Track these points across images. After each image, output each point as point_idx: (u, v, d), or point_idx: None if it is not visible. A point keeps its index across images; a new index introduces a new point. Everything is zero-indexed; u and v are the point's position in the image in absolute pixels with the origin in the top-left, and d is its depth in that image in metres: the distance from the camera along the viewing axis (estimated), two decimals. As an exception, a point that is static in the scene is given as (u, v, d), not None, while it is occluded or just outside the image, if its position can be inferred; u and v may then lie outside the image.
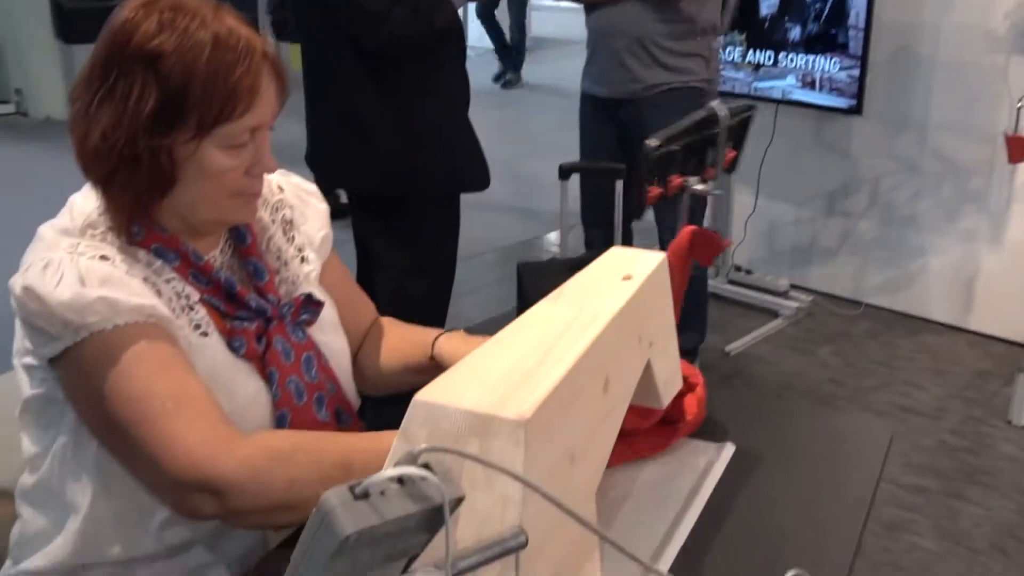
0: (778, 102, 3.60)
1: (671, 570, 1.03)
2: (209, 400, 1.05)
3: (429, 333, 1.36)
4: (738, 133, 2.53)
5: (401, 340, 1.40)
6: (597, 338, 0.99)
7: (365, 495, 0.68)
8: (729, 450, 1.29)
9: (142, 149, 1.04)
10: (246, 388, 1.13)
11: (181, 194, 1.09)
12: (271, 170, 1.13)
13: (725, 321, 3.63)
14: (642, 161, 2.18)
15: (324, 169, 2.44)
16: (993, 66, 3.28)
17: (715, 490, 1.19)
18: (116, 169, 1.05)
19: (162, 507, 1.11)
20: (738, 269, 3.98)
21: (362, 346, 1.40)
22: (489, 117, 5.04)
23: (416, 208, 2.36)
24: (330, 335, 1.26)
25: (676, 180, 2.31)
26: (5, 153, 5.92)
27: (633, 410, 1.19)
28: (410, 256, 2.45)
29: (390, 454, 0.83)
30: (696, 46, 2.88)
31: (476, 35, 8.63)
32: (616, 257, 1.25)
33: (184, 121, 1.04)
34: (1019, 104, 3.04)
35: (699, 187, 2.40)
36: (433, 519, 0.73)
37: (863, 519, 1.11)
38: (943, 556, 2.36)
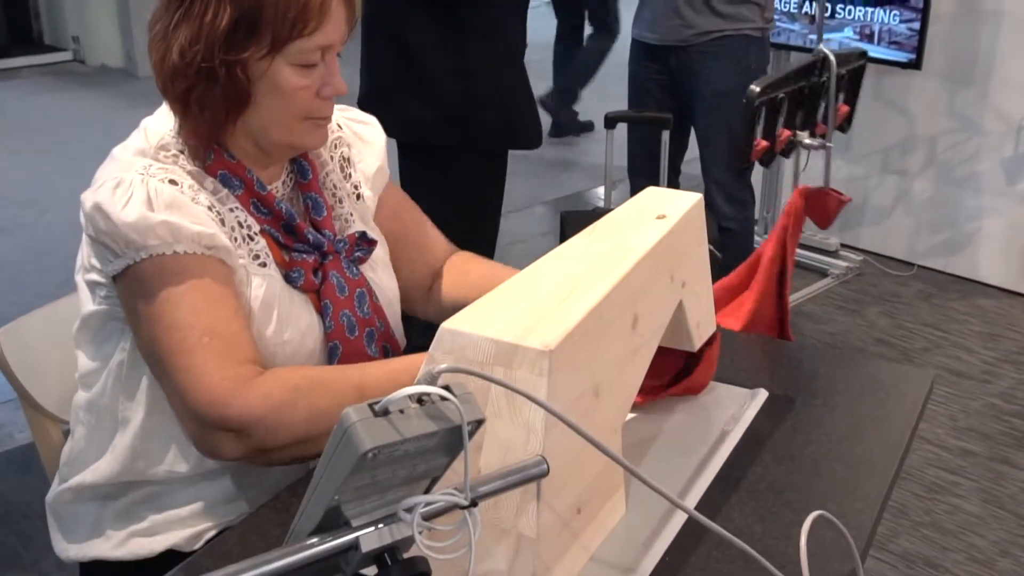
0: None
1: (696, 509, 1.03)
2: (246, 340, 1.07)
3: (513, 271, 1.35)
4: (851, 85, 2.35)
5: (481, 278, 1.37)
6: (627, 274, 0.99)
7: (385, 412, 0.69)
8: (761, 396, 1.28)
9: (218, 64, 1.07)
10: (300, 319, 1.15)
11: (255, 115, 1.11)
12: (342, 91, 1.15)
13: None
14: (744, 108, 2.04)
15: (378, 113, 2.42)
16: (1062, 20, 3.16)
17: (745, 434, 1.18)
18: (194, 85, 1.08)
19: None
20: (787, 227, 3.92)
21: (441, 279, 1.40)
22: (543, 69, 5.00)
23: (465, 159, 2.35)
24: (380, 273, 1.28)
25: (784, 133, 2.16)
26: (62, 99, 6.02)
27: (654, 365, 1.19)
28: (453, 208, 2.44)
29: (416, 378, 0.83)
30: None
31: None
32: (652, 196, 1.24)
33: (258, 37, 1.07)
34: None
35: (809, 142, 2.24)
36: (453, 442, 0.73)
37: (896, 464, 1.10)
38: (986, 520, 2.33)
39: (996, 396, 2.85)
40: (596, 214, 2.95)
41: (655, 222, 1.13)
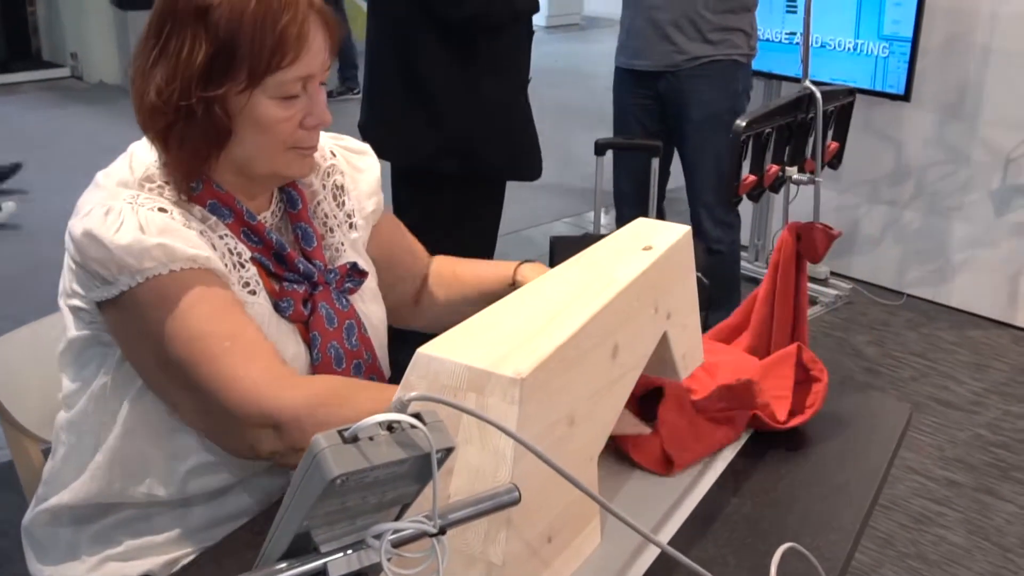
0: (824, 85, 3.54)
1: (673, 540, 1.03)
2: (266, 341, 1.07)
3: (506, 265, 1.37)
4: (840, 122, 2.36)
5: (476, 276, 1.40)
6: (608, 304, 0.99)
7: (354, 439, 0.69)
8: (748, 429, 1.28)
9: (196, 102, 1.06)
10: (286, 349, 1.15)
11: (238, 148, 1.11)
12: (326, 122, 1.14)
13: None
14: (731, 143, 2.04)
15: (379, 139, 2.43)
16: (1051, 55, 3.19)
17: (728, 466, 1.18)
18: (172, 123, 1.07)
19: (189, 456, 1.14)
20: (778, 254, 3.93)
21: (426, 286, 1.42)
22: (540, 95, 5.03)
23: (463, 186, 2.36)
24: (369, 304, 1.28)
25: (773, 169, 2.15)
26: (61, 115, 6.04)
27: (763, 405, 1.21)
28: (447, 233, 2.44)
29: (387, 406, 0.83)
30: (739, 20, 2.86)
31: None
32: (640, 227, 1.25)
33: (235, 71, 1.06)
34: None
35: (798, 177, 2.24)
36: (423, 469, 0.73)
37: (872, 496, 1.10)
38: (971, 551, 2.32)
39: (983, 427, 2.86)
40: (586, 239, 2.96)
41: (640, 253, 1.13)
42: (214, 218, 1.13)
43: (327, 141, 1.31)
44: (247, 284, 1.13)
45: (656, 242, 1.16)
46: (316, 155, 1.25)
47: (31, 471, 1.34)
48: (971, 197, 3.51)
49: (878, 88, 3.44)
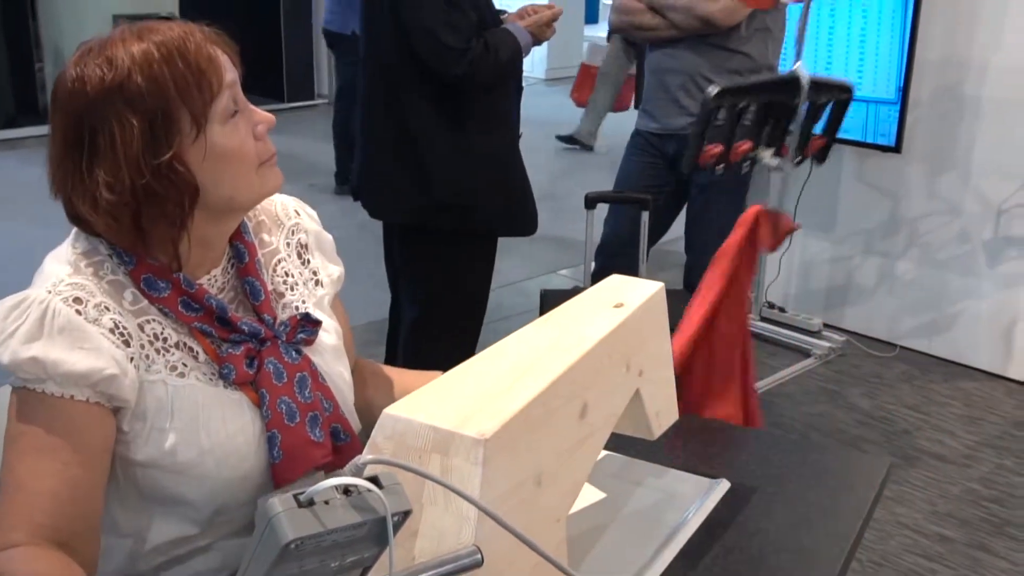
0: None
1: (643, 600, 1.03)
2: (43, 503, 1.04)
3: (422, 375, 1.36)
4: (833, 118, 2.29)
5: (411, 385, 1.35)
6: (576, 363, 1.00)
7: (310, 503, 0.69)
8: (723, 487, 1.28)
9: (151, 175, 1.04)
10: (230, 423, 1.13)
11: (214, 193, 1.09)
12: (270, 121, 1.13)
13: (755, 359, 3.58)
14: (700, 109, 2.01)
15: (373, 196, 2.45)
16: (1038, 109, 3.23)
17: (701, 526, 1.18)
18: (139, 208, 1.06)
19: (152, 534, 1.14)
20: (771, 306, 3.94)
21: (364, 390, 1.39)
22: (537, 147, 5.08)
23: (458, 244, 2.38)
24: (332, 363, 1.25)
25: (743, 146, 2.05)
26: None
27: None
28: (444, 286, 2.47)
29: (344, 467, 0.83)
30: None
31: (527, 66, 8.70)
32: (613, 284, 1.26)
33: (179, 124, 1.05)
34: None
35: (769, 161, 2.14)
36: (383, 532, 0.73)
37: (844, 556, 1.10)
38: (964, 608, 2.30)
39: (975, 481, 2.84)
40: (576, 292, 2.97)
41: (611, 311, 1.14)
42: (145, 301, 1.11)
43: (289, 201, 1.31)
44: (175, 368, 1.11)
45: (628, 299, 1.17)
46: (280, 212, 1.27)
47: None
48: (964, 248, 3.53)
49: (869, 140, 3.48)
